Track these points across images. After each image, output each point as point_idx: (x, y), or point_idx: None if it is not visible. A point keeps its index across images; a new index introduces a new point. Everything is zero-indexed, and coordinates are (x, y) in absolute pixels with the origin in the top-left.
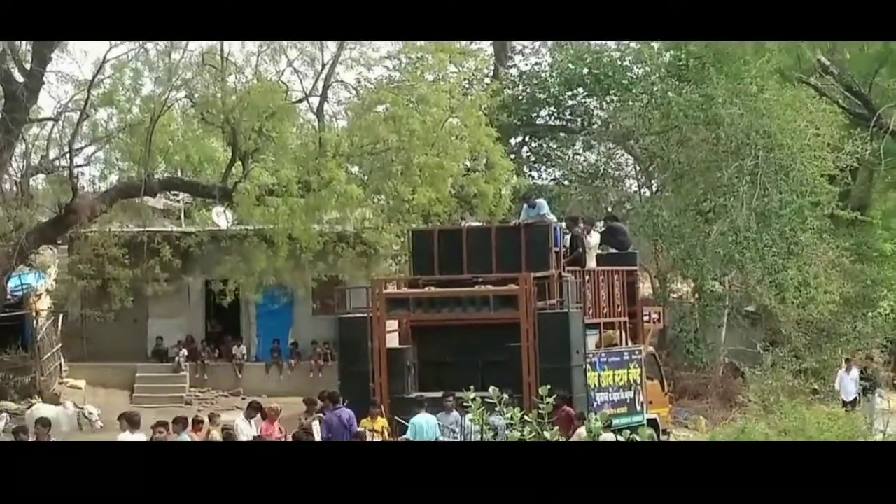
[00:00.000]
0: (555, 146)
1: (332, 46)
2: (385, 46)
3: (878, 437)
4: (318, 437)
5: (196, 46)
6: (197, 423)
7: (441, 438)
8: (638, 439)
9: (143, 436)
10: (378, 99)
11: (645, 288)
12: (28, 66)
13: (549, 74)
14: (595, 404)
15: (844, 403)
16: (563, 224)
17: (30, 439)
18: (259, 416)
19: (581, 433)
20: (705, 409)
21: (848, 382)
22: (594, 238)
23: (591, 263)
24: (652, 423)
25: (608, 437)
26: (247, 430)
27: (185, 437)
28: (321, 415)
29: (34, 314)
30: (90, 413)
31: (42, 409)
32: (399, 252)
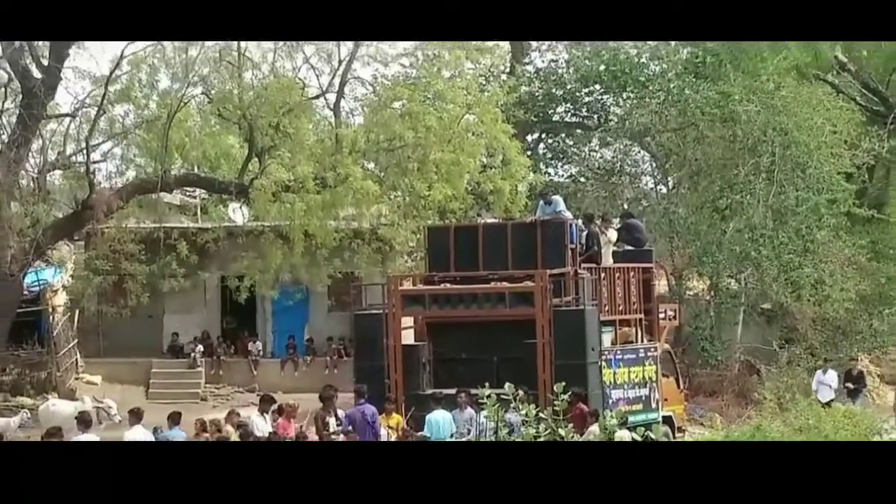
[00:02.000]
0: (571, 143)
1: (348, 43)
2: (402, 43)
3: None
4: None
5: (213, 42)
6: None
7: (456, 435)
8: (653, 436)
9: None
10: (394, 95)
11: (661, 285)
12: (45, 63)
13: (566, 71)
14: (610, 401)
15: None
16: (580, 221)
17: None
18: (273, 409)
19: (594, 430)
20: (721, 406)
21: (823, 384)
22: (611, 235)
23: (608, 260)
24: (667, 420)
25: (623, 434)
26: (261, 425)
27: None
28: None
29: (50, 310)
30: (109, 407)
31: (59, 405)
32: (415, 249)
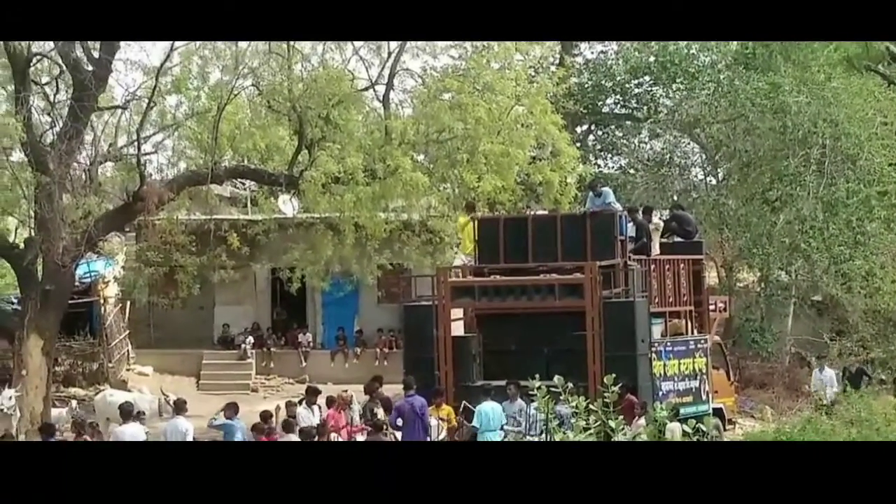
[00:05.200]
0: (620, 134)
1: None
2: None
3: None
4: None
5: None
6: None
7: (506, 426)
8: (703, 429)
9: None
10: (444, 87)
11: (711, 277)
12: (96, 55)
13: (615, 62)
14: (660, 393)
15: (820, 406)
16: (629, 213)
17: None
18: (322, 401)
19: (641, 423)
20: (771, 398)
21: (820, 383)
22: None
23: (656, 252)
24: (717, 412)
25: (674, 426)
26: (307, 417)
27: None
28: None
29: (102, 301)
30: (169, 398)
31: (117, 395)
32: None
